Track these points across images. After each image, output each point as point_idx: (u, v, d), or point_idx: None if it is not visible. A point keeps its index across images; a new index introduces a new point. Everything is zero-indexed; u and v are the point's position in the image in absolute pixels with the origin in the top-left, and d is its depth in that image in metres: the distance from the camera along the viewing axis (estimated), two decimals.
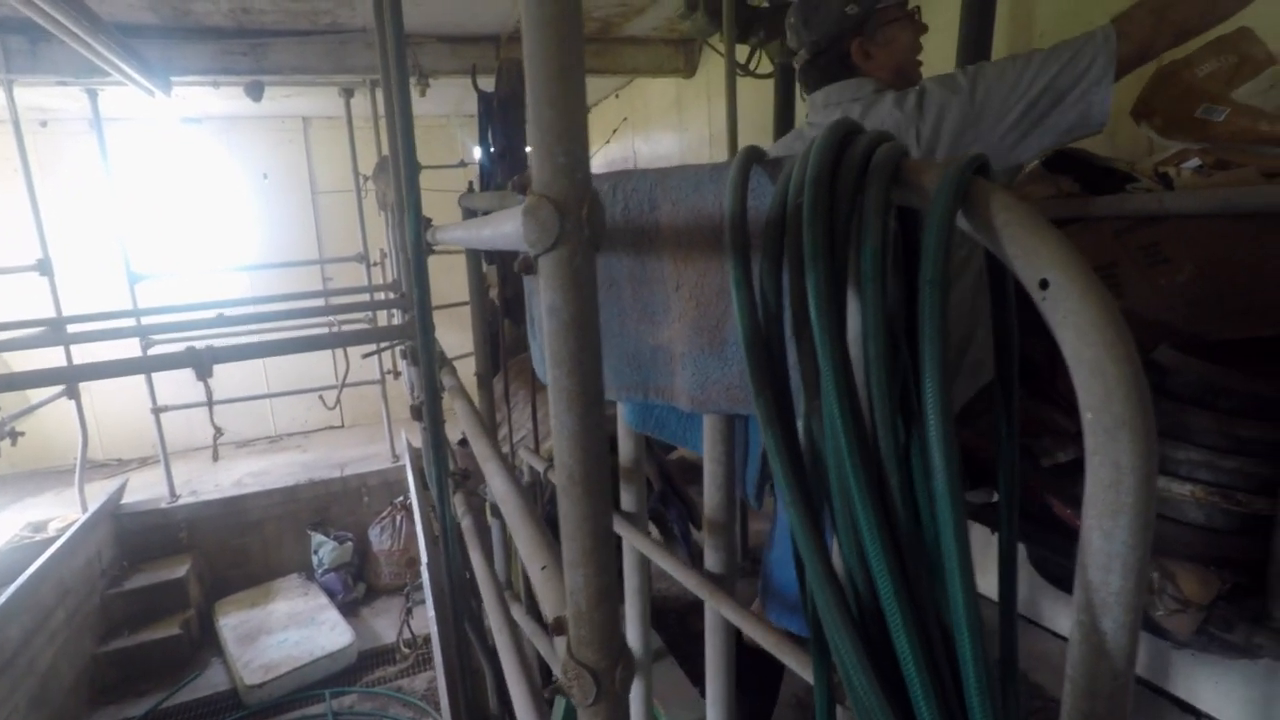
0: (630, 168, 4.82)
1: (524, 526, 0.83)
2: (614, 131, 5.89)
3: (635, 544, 1.11)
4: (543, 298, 0.53)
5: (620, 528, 1.14)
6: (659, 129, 5.18)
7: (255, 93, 4.15)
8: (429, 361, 1.68)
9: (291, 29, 3.41)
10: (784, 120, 3.06)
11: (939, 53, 2.15)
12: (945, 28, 2.13)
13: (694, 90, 4.31)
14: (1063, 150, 1.33)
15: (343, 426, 6.12)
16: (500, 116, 2.41)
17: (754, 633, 0.84)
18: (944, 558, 0.51)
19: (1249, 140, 1.20)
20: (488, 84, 2.66)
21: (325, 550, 4.73)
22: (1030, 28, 2.20)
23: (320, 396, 5.10)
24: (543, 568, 0.72)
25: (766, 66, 3.08)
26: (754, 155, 0.74)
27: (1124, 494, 0.49)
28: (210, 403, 4.23)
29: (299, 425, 6.11)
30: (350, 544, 4.82)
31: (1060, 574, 1.60)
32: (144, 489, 4.80)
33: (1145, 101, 1.32)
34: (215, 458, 4.51)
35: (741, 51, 3.14)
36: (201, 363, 1.66)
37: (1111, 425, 0.49)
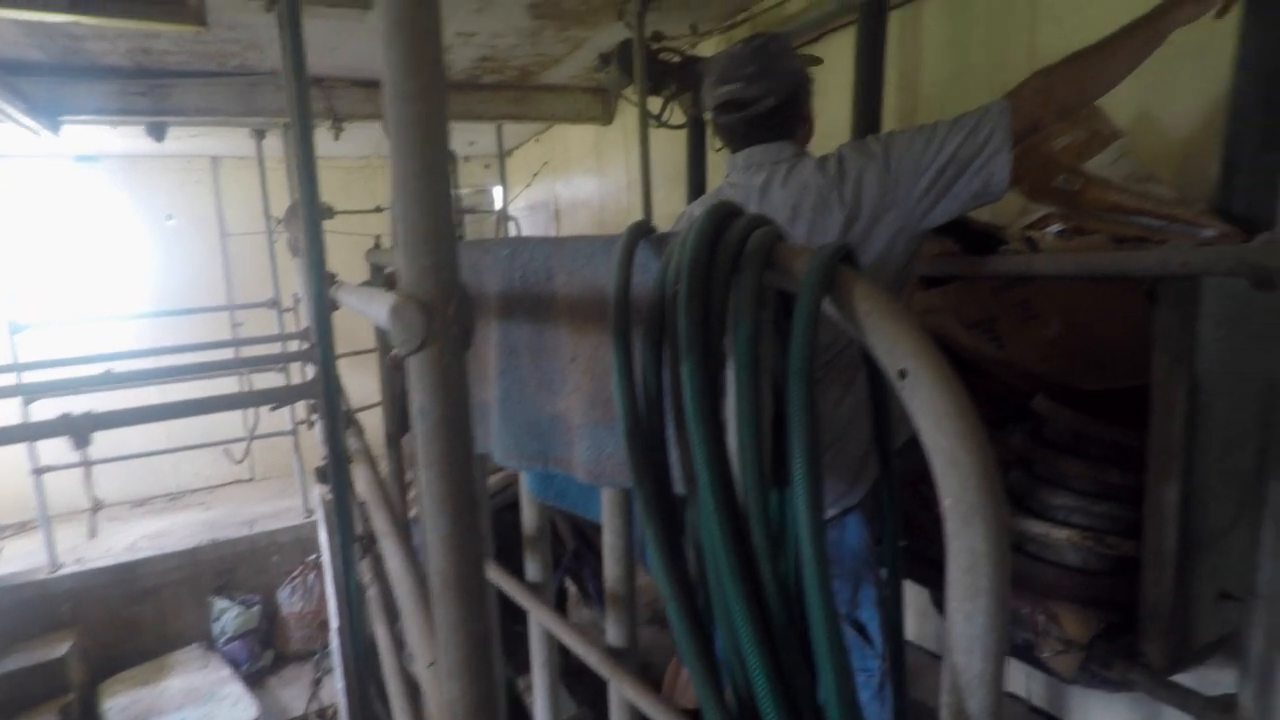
0: (550, 209, 4.82)
1: (414, 615, 0.79)
2: (534, 175, 5.93)
3: (538, 617, 1.08)
4: (413, 398, 0.52)
5: (524, 598, 1.11)
6: (578, 174, 5.24)
7: (157, 133, 3.97)
8: (334, 423, 1.62)
9: (197, 70, 3.30)
10: (695, 169, 3.16)
11: (834, 120, 2.27)
12: (840, 89, 2.26)
13: (612, 137, 4.39)
14: None
15: (252, 481, 5.79)
16: None
17: (652, 711, 0.83)
18: (816, 648, 0.52)
19: (1101, 208, 1.31)
20: None
21: (229, 616, 4.42)
22: (916, 93, 2.35)
23: (227, 449, 4.81)
24: (430, 664, 0.70)
25: (679, 118, 3.18)
26: (640, 232, 0.76)
27: (980, 578, 0.51)
28: (87, 463, 3.91)
29: (203, 481, 5.74)
30: (258, 608, 4.53)
31: None
32: (21, 558, 4.38)
33: (1014, 169, 1.43)
34: (92, 533, 4.14)
35: (655, 103, 3.23)
36: (78, 431, 1.54)
37: (967, 513, 0.52)
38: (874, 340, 0.56)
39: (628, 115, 4.23)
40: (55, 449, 4.26)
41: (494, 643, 0.56)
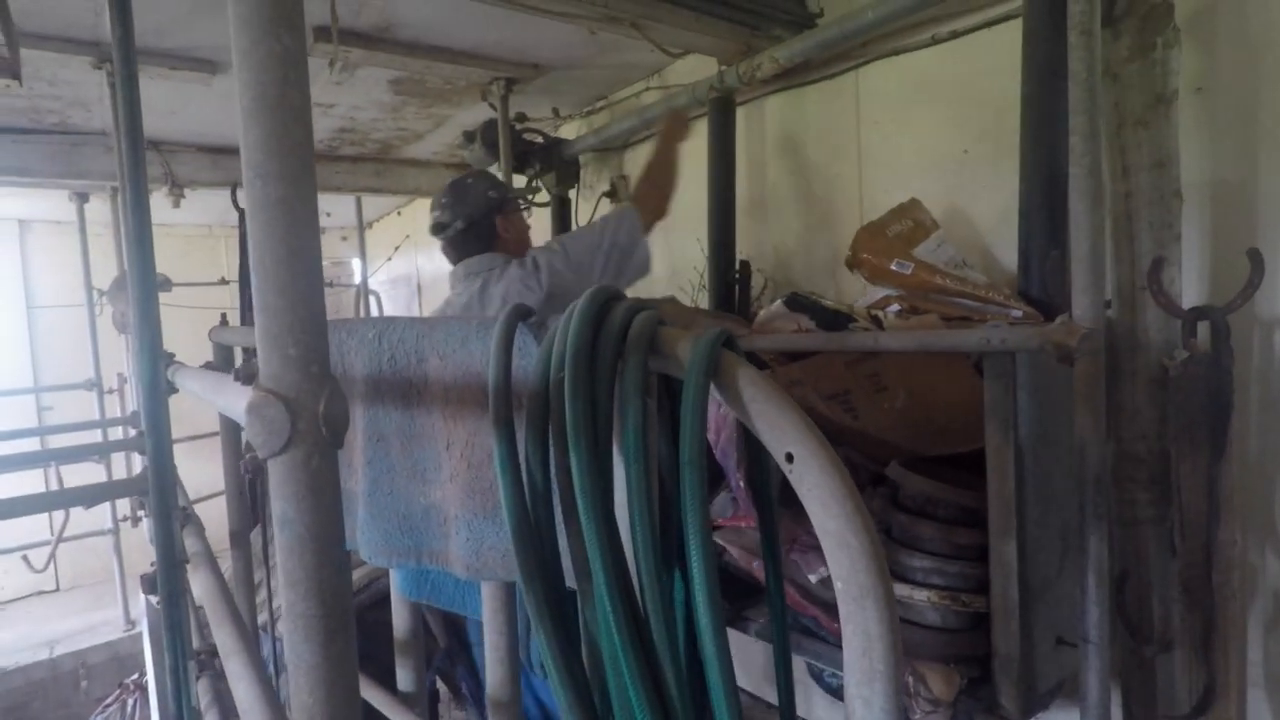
0: (412, 283, 4.68)
1: None
2: (395, 249, 5.77)
3: None
4: (274, 507, 0.47)
5: (394, 712, 1.01)
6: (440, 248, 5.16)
7: None
8: (166, 521, 1.42)
9: (7, 126, 2.96)
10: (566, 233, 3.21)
11: (695, 202, 2.41)
12: (698, 173, 2.40)
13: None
14: (796, 295, 1.53)
15: (57, 590, 4.95)
16: None
17: None
18: None
19: (929, 290, 1.46)
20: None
21: None
22: (764, 181, 2.55)
23: (24, 556, 4.09)
24: None
25: (545, 196, 3.24)
26: (518, 316, 0.75)
27: (875, 660, 0.53)
28: None
29: None
30: None
31: (835, 685, 1.70)
32: None
33: (854, 254, 1.58)
34: None
35: (520, 181, 3.28)
36: None
37: (858, 594, 0.53)
38: (760, 425, 0.58)
39: None
40: None
41: None
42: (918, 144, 2.04)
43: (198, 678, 1.54)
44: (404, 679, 1.04)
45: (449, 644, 1.69)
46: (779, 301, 1.57)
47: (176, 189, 3.42)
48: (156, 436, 1.40)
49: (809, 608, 1.53)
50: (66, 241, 4.47)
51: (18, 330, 5.00)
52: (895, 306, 1.48)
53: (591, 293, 0.68)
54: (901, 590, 1.39)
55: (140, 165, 1.59)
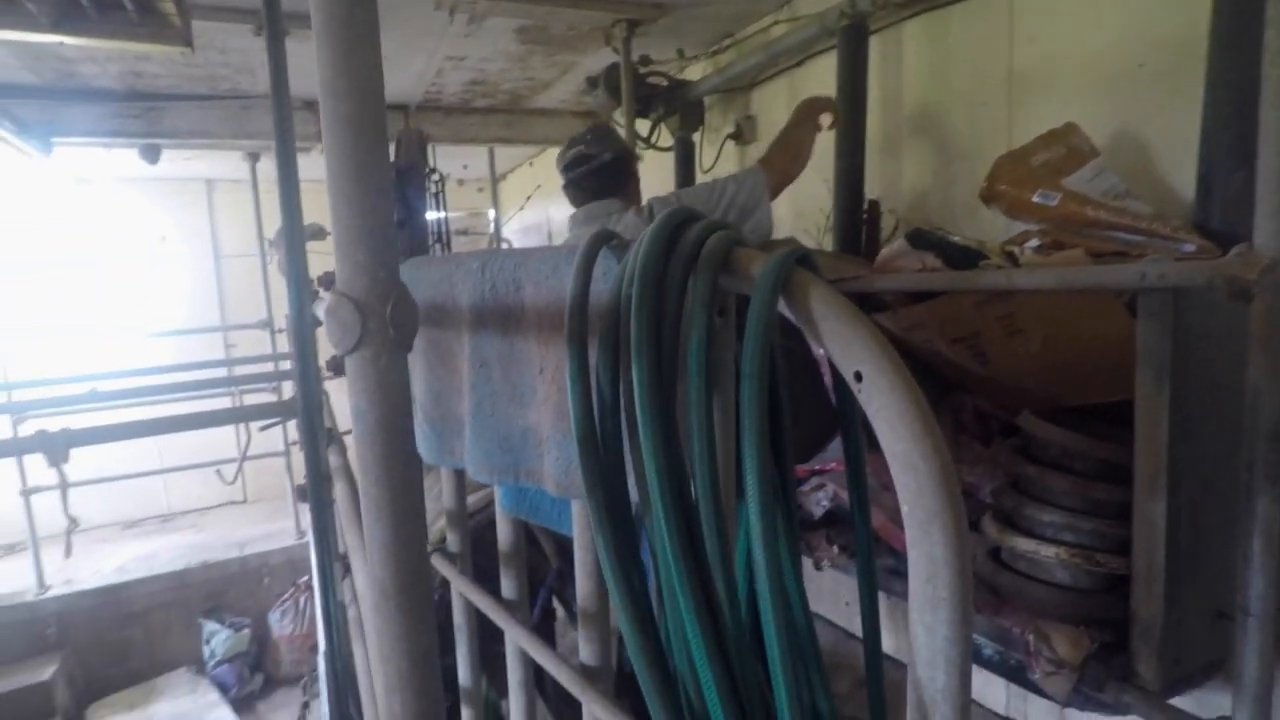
0: (544, 231, 4.84)
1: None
2: (527, 198, 5.96)
3: (512, 635, 1.05)
4: (350, 402, 0.50)
5: (498, 617, 1.09)
6: None
7: (150, 156, 3.99)
8: (313, 440, 1.59)
9: (189, 93, 3.32)
10: (684, 188, 3.17)
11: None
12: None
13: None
14: (921, 230, 1.42)
15: (245, 502, 5.74)
16: (400, 186, 2.39)
17: None
18: (771, 665, 0.49)
19: (1079, 224, 1.30)
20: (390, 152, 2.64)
21: (218, 640, 4.35)
22: (899, 114, 2.36)
23: (219, 471, 4.78)
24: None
25: (667, 140, 3.20)
26: (602, 240, 0.75)
27: (940, 587, 0.49)
28: (76, 484, 3.86)
29: (195, 502, 5.69)
30: (247, 631, 4.46)
31: None
32: (8, 579, 4.33)
33: (991, 186, 1.43)
34: (68, 553, 4.09)
35: (644, 126, 3.26)
36: (53, 449, 1.52)
37: (925, 519, 0.50)
38: (829, 342, 0.55)
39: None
40: (46, 470, 4.23)
41: (435, 658, 0.53)
42: (1081, 61, 1.80)
43: (343, 577, 1.74)
44: (507, 588, 1.11)
45: (560, 565, 1.78)
46: (902, 239, 1.47)
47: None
48: (304, 364, 1.56)
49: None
50: (243, 198, 5.01)
51: (209, 277, 5.71)
52: (1035, 242, 1.34)
53: (668, 212, 0.66)
54: (1027, 545, 1.29)
55: (287, 124, 1.74)
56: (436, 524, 1.62)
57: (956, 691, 0.51)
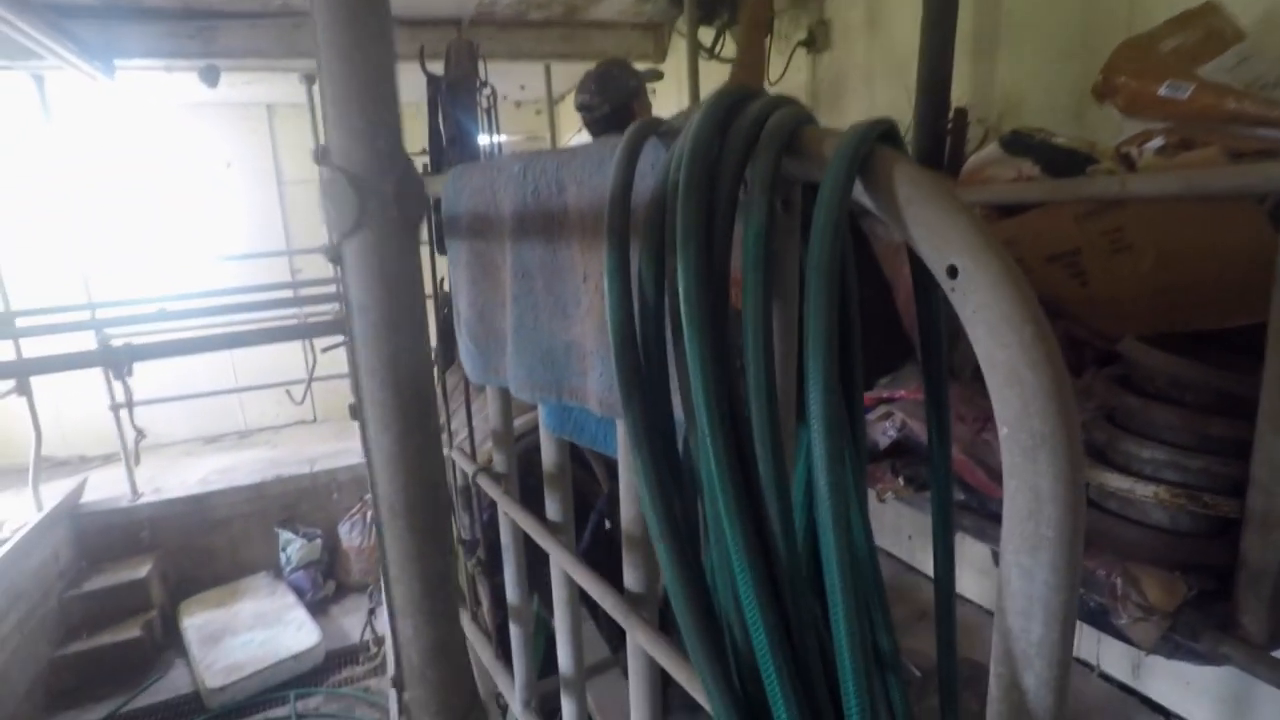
0: None
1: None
2: None
3: (556, 558, 1.02)
4: (350, 293, 0.44)
5: (541, 538, 1.05)
6: None
7: (210, 78, 3.99)
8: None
9: (241, 11, 3.27)
10: None
11: (904, 44, 2.06)
12: (908, 8, 2.04)
13: (665, 75, 4.18)
14: (1018, 133, 1.25)
15: (314, 421, 5.99)
16: (450, 101, 2.30)
17: (667, 661, 0.76)
18: (831, 606, 0.42)
19: (1215, 119, 1.12)
20: (440, 67, 2.54)
21: (293, 548, 4.62)
22: (997, 11, 2.11)
23: (288, 391, 4.96)
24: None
25: (732, 50, 2.98)
26: (648, 129, 0.65)
27: (1044, 526, 0.41)
28: (129, 399, 4.06)
29: (269, 420, 5.97)
30: (319, 541, 4.71)
31: None
32: (106, 487, 4.66)
33: (1107, 78, 1.24)
34: (136, 461, 4.34)
35: (707, 34, 3.04)
36: (117, 361, 1.55)
37: (1030, 444, 0.41)
38: (917, 232, 0.45)
39: (681, 52, 4.02)
40: (137, 386, 4.48)
41: (449, 580, 0.48)
42: None
43: None
44: (551, 510, 1.07)
45: (612, 488, 1.76)
46: (994, 144, 1.31)
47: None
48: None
49: (999, 490, 1.36)
50: (302, 122, 5.00)
51: (273, 203, 5.80)
52: (1158, 142, 1.16)
53: (722, 88, 0.56)
54: (1120, 482, 1.17)
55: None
56: (486, 444, 1.59)
57: (1056, 645, 0.43)
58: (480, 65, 2.46)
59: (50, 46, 2.71)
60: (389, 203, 0.41)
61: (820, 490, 0.41)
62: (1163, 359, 1.14)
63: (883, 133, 0.49)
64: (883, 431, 1.69)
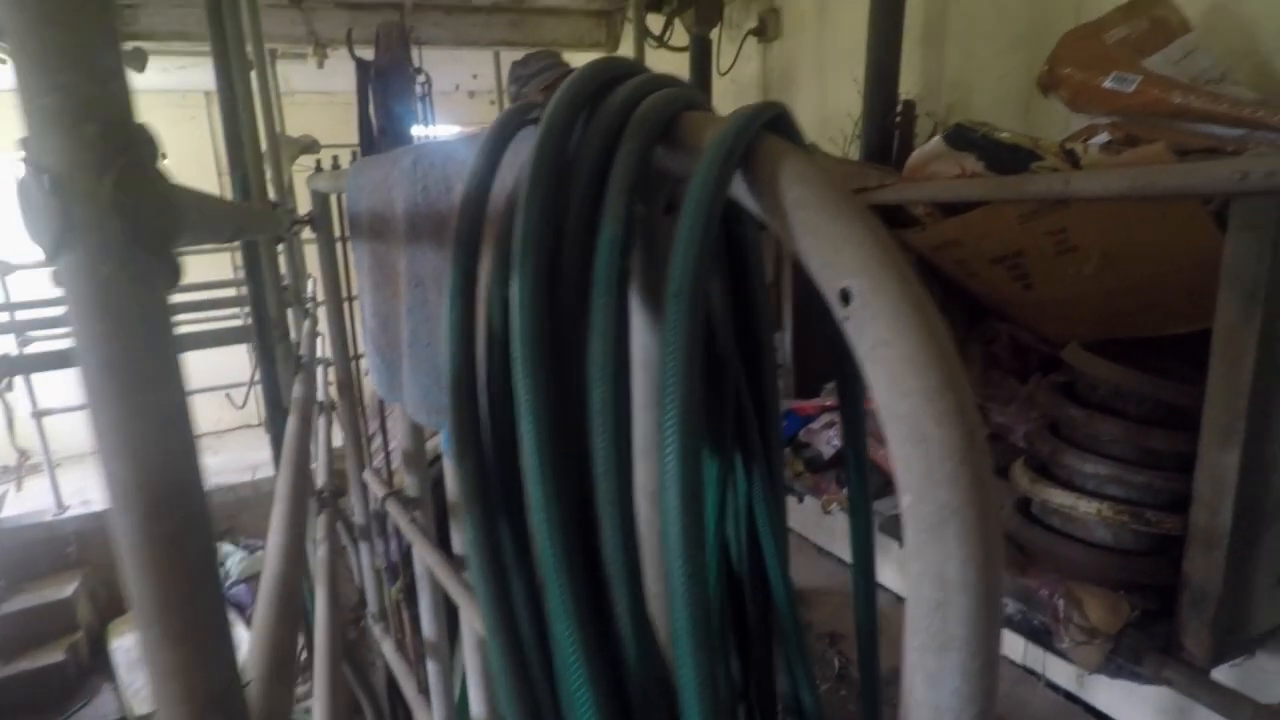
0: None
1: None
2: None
3: (462, 599, 0.92)
4: (74, 331, 0.33)
5: (444, 573, 0.95)
6: None
7: (137, 62, 3.76)
8: (268, 371, 1.45)
9: None
10: (701, 92, 2.87)
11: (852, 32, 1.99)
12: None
13: None
14: (962, 127, 1.18)
15: (259, 425, 5.75)
16: (380, 88, 2.16)
17: None
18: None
19: (1162, 114, 1.06)
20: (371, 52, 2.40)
21: (233, 561, 4.42)
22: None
23: (228, 394, 4.75)
24: None
25: (683, 38, 2.89)
26: (519, 118, 0.55)
27: (953, 621, 0.32)
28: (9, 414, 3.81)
29: (210, 425, 5.72)
30: (261, 553, 4.52)
31: None
32: (28, 500, 4.40)
33: (1052, 70, 1.18)
34: (19, 487, 4.10)
35: (656, 22, 2.95)
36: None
37: (935, 518, 0.32)
38: (805, 244, 0.36)
39: (633, 41, 3.91)
40: (63, 392, 4.23)
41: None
42: None
43: (318, 513, 1.64)
44: (457, 541, 0.97)
45: None
46: (938, 137, 1.24)
47: (320, 49, 3.43)
48: (255, 282, 1.40)
49: None
50: None
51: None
52: (1103, 137, 1.10)
53: (592, 64, 0.47)
54: (1063, 498, 1.12)
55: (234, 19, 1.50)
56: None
57: None
58: (415, 50, 2.33)
59: None
60: (108, 212, 0.30)
61: (676, 579, 0.32)
62: (1105, 368, 1.09)
63: (771, 119, 0.40)
64: (827, 441, 1.62)
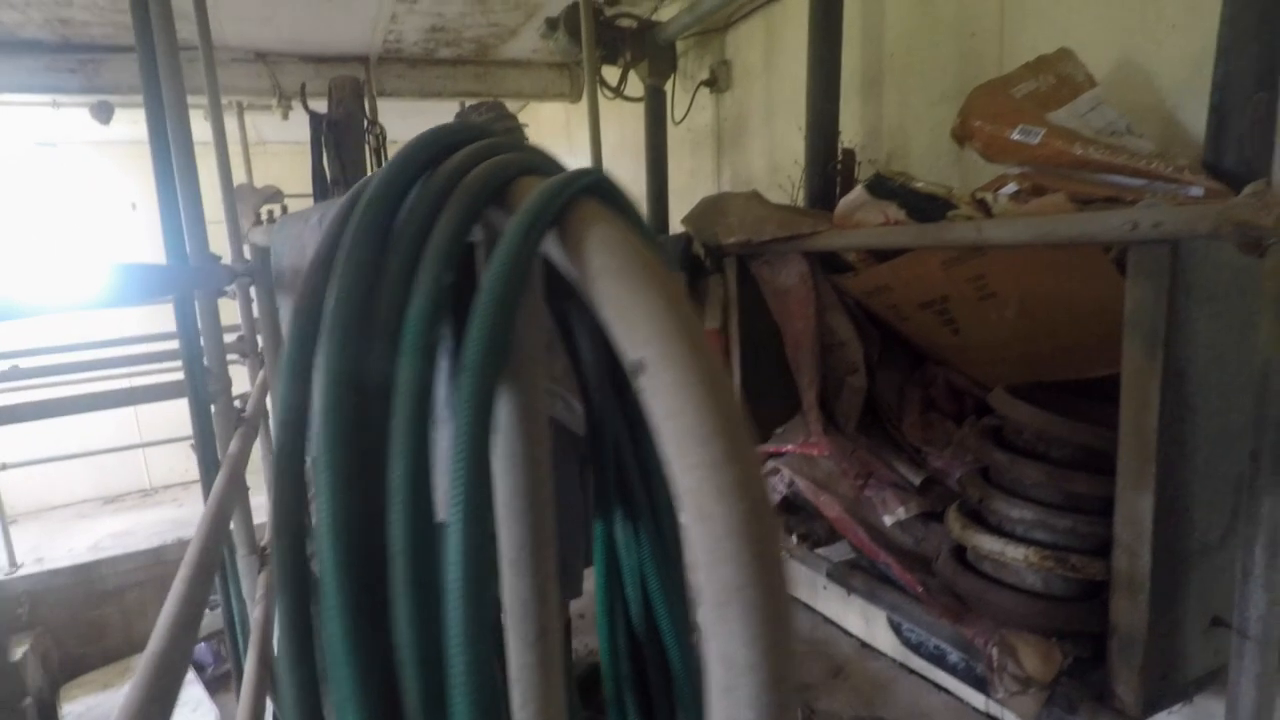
0: None
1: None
2: None
3: None
4: None
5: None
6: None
7: (103, 115, 3.78)
8: (203, 426, 1.42)
9: (124, 44, 3.10)
10: (655, 142, 2.93)
11: (792, 82, 2.03)
12: (795, 49, 2.04)
13: (581, 114, 4.16)
14: (881, 176, 1.21)
15: None
16: (332, 140, 2.18)
17: None
18: None
19: (1065, 164, 1.09)
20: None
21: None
22: (880, 49, 2.13)
23: (191, 445, 4.63)
24: None
25: (637, 88, 2.96)
26: (418, 159, 0.54)
27: (743, 707, 0.31)
28: (48, 460, 3.74)
29: (177, 476, 5.60)
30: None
31: (914, 640, 1.46)
32: None
33: (964, 122, 1.22)
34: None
35: (614, 74, 3.02)
36: None
37: (720, 598, 0.31)
38: (607, 313, 0.36)
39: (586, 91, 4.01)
40: (21, 443, 4.12)
41: None
42: None
43: (260, 570, 1.61)
44: None
45: None
46: (860, 186, 1.27)
47: (284, 101, 3.48)
48: (186, 337, 1.38)
49: (880, 553, 1.29)
50: (210, 161, 4.78)
51: None
52: (1012, 187, 1.13)
53: (440, 128, 0.47)
54: (992, 545, 1.11)
55: (176, 68, 1.52)
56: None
57: None
58: (367, 103, 2.36)
59: None
60: None
61: (455, 670, 0.31)
62: (1027, 412, 1.10)
63: (589, 185, 0.40)
64: (772, 488, 1.61)
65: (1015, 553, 1.08)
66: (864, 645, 2.46)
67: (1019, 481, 1.11)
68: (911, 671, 2.26)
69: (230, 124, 4.16)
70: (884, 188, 1.22)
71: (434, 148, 0.45)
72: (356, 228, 0.40)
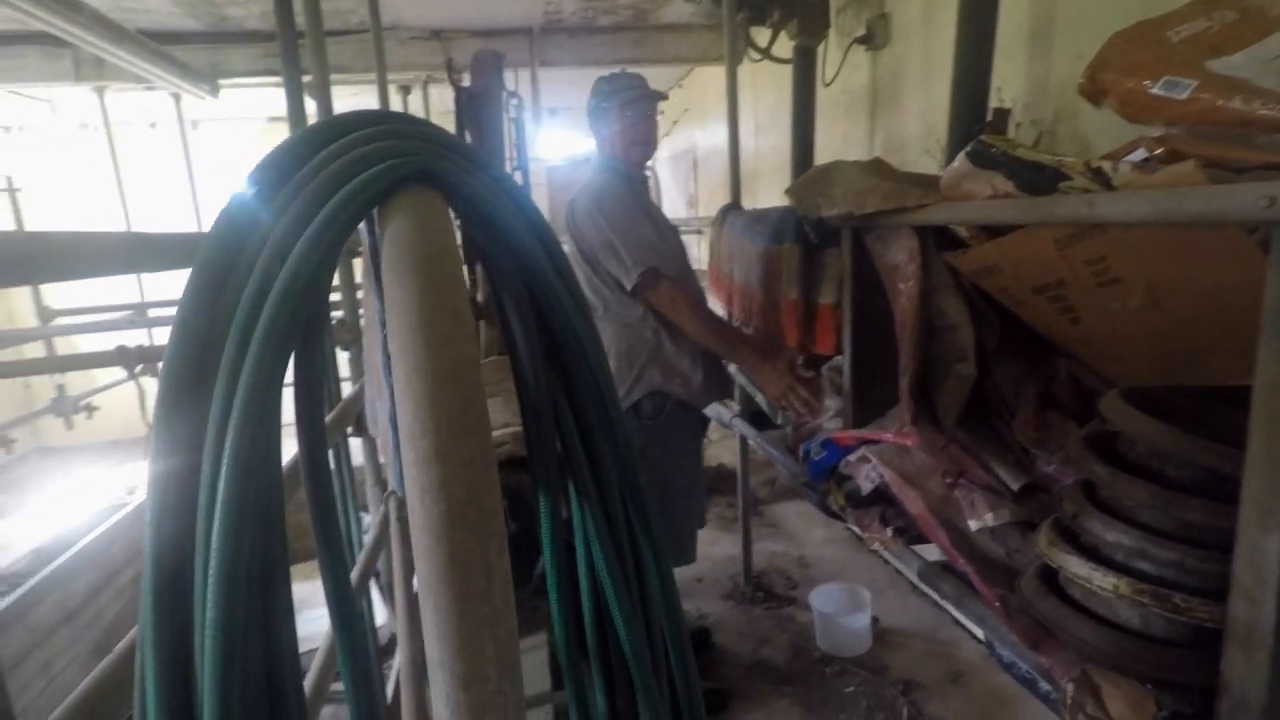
0: (690, 159, 4.59)
1: None
2: (673, 123, 5.69)
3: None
4: None
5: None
6: (713, 119, 4.93)
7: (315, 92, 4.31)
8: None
9: (326, 30, 3.48)
10: (802, 105, 2.77)
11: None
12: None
13: (749, 77, 4.04)
14: (984, 143, 1.06)
15: None
16: (471, 111, 2.32)
17: None
18: None
19: (1216, 122, 0.89)
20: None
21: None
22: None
23: None
24: None
25: (786, 49, 2.81)
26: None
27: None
28: None
29: None
30: None
31: (1008, 660, 1.30)
32: None
33: (1094, 76, 1.03)
34: None
35: (762, 33, 2.89)
36: (130, 361, 1.68)
37: (430, 671, 0.30)
38: (386, 307, 0.36)
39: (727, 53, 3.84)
40: None
41: None
42: None
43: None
44: None
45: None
46: (962, 154, 1.12)
47: (458, 75, 3.72)
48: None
49: (960, 559, 1.17)
50: None
51: None
52: (1140, 153, 0.94)
53: (316, 124, 0.49)
54: (1079, 568, 0.97)
55: (321, 52, 1.69)
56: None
57: None
58: (508, 74, 2.46)
59: (161, 75, 3.04)
60: None
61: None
62: (1139, 421, 0.92)
63: (420, 172, 0.40)
64: (865, 475, 1.51)
65: (1104, 580, 0.92)
66: (992, 653, 2.25)
67: (1119, 500, 0.95)
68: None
69: (415, 99, 4.56)
70: (986, 156, 1.07)
71: (299, 151, 0.46)
72: (210, 240, 0.41)
